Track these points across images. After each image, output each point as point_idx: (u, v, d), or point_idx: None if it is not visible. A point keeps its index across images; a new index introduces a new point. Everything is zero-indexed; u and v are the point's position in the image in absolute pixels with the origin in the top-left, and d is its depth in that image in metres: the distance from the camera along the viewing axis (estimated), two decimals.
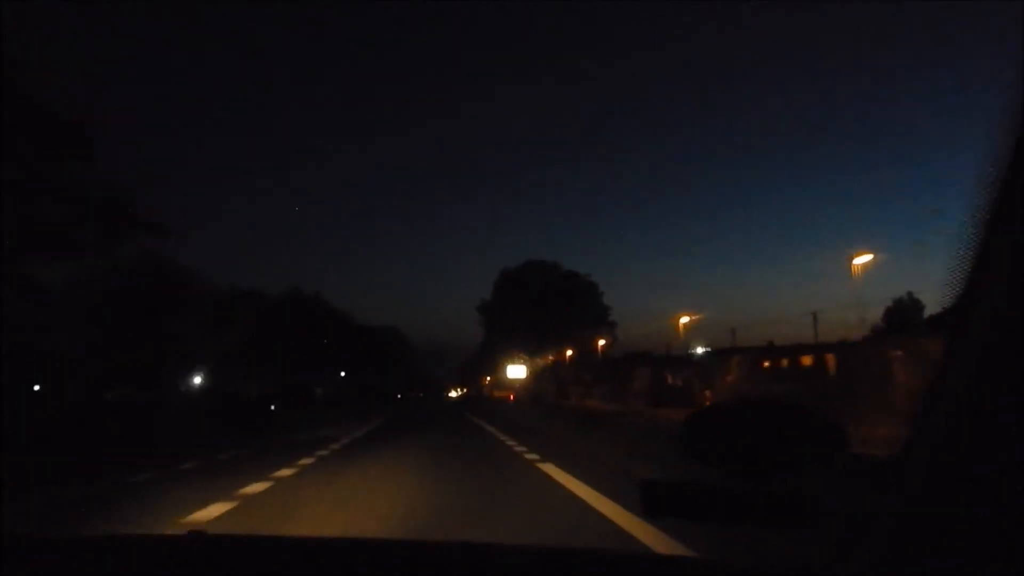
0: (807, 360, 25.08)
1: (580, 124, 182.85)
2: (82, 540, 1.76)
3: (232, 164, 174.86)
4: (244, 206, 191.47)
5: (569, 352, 57.40)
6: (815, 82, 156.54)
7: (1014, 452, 0.76)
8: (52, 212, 19.05)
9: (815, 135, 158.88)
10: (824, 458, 1.22)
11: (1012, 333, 0.78)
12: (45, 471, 9.62)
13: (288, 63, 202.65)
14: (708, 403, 12.63)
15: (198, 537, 1.61)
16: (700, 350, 35.93)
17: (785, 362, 26.64)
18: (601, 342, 55.25)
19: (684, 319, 39.13)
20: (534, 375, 62.52)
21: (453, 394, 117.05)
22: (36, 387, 24.33)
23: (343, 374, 65.23)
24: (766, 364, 27.61)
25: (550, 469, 8.72)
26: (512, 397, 56.63)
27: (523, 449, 11.84)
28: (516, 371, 63.23)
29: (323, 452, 12.12)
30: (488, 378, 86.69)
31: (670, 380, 34.19)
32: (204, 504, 6.45)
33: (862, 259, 25.60)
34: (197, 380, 35.17)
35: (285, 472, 9.00)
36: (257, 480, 8.07)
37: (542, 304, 64.38)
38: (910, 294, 46.73)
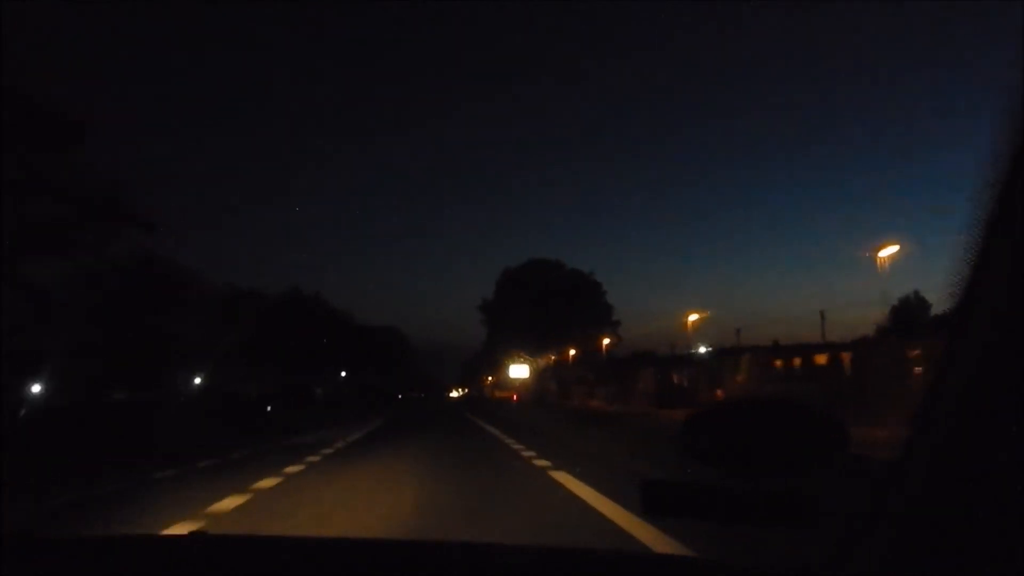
0: (820, 359, 24.46)
1: (581, 124, 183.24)
2: (82, 540, 1.76)
3: (232, 164, 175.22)
4: (244, 206, 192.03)
5: (572, 352, 56.78)
6: (815, 82, 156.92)
7: (1014, 452, 0.76)
8: (47, 209, 19.05)
9: (815, 135, 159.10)
10: (824, 458, 1.22)
11: (1012, 333, 0.78)
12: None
13: (288, 63, 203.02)
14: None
15: (198, 537, 1.62)
16: (704, 349, 35.68)
17: (797, 361, 26.06)
18: (605, 341, 54.37)
19: (692, 316, 38.31)
20: (536, 375, 62.25)
21: (454, 394, 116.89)
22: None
23: (343, 374, 65.15)
24: (778, 363, 27.04)
25: (550, 469, 8.72)
26: (516, 397, 56.24)
27: (521, 447, 11.86)
28: (519, 371, 62.96)
29: (327, 451, 12.24)
30: (490, 378, 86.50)
31: (676, 380, 33.58)
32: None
33: (888, 251, 24.33)
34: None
35: (274, 481, 9.02)
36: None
37: (544, 303, 63.50)
38: (916, 293, 45.91)
